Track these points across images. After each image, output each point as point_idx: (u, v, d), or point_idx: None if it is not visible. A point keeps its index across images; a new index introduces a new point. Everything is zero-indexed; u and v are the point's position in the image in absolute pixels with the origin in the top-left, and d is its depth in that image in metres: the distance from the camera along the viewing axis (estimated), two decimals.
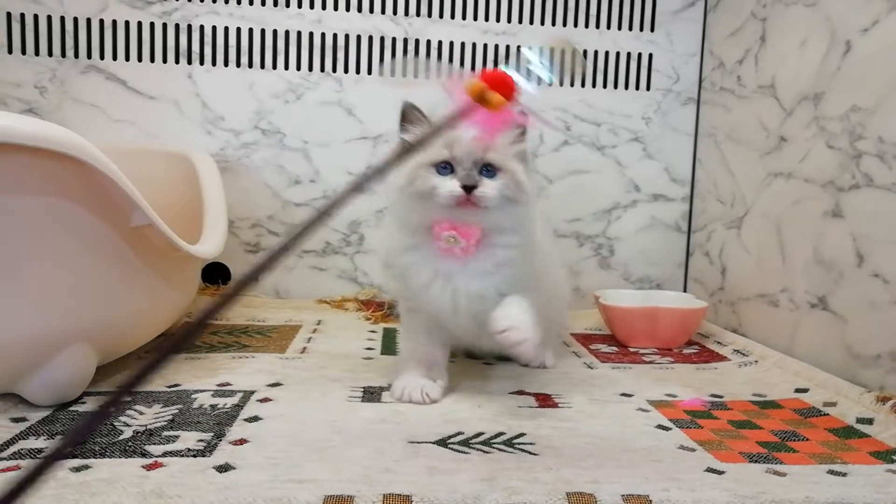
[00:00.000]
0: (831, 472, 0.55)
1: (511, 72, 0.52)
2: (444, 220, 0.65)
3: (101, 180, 0.61)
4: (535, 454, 0.56)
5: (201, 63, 1.12)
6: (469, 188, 0.63)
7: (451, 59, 1.18)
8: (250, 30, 1.13)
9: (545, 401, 0.72)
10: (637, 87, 1.22)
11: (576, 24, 1.20)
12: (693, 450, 0.59)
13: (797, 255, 0.91)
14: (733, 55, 1.10)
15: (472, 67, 1.19)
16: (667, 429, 0.64)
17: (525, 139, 0.69)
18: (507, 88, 0.52)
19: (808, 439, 0.63)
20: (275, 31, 1.14)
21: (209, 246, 0.81)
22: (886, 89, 0.75)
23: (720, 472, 0.54)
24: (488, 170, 0.65)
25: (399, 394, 0.69)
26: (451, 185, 0.63)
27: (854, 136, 0.80)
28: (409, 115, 0.67)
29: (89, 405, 0.64)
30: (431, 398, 0.69)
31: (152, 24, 1.11)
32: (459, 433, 0.60)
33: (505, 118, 0.54)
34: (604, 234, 1.25)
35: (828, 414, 0.70)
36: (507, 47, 1.19)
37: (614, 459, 0.56)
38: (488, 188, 0.64)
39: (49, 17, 1.08)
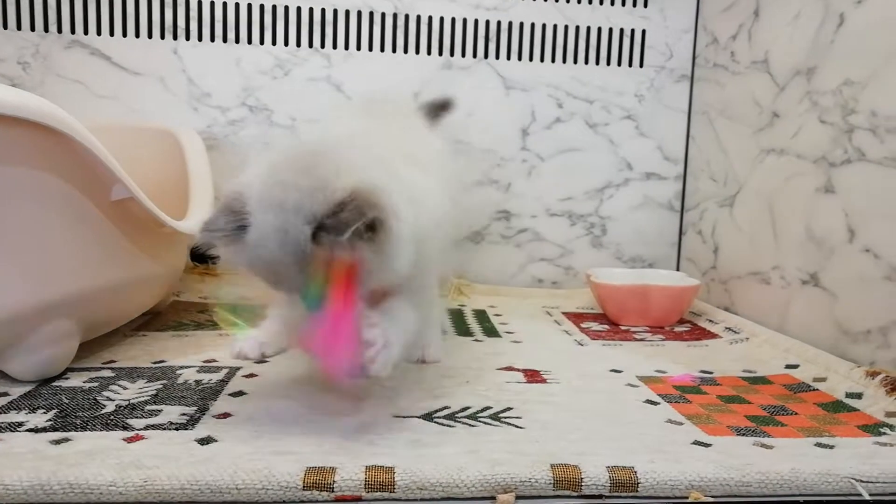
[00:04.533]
0: (818, 444, 0.55)
1: None
2: None
3: (81, 152, 0.60)
4: (520, 427, 0.56)
5: (187, 38, 1.11)
6: None
7: (441, 35, 1.16)
8: (237, 4, 1.11)
9: (534, 376, 0.71)
10: (630, 64, 1.21)
11: (568, 0, 1.18)
12: (680, 423, 0.59)
13: (789, 232, 0.90)
14: (727, 31, 1.08)
15: (463, 43, 1.17)
16: (655, 403, 0.64)
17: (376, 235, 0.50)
18: None
19: (796, 413, 0.62)
20: (262, 6, 1.12)
21: (194, 222, 0.80)
22: (879, 62, 0.74)
23: (707, 445, 0.54)
24: None
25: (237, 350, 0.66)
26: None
27: (846, 111, 0.79)
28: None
29: (72, 380, 0.63)
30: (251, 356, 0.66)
31: None
32: (446, 407, 0.60)
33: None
34: (596, 212, 1.24)
35: (817, 389, 0.70)
36: (499, 23, 1.17)
37: (600, 433, 0.56)
38: None
39: None
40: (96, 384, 0.63)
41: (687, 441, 0.54)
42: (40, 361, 0.62)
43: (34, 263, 0.59)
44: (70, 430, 0.52)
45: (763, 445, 0.54)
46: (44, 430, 0.52)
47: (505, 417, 0.58)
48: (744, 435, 0.56)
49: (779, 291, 0.92)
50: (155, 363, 0.70)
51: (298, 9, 1.12)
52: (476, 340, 0.87)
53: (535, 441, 0.53)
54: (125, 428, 0.52)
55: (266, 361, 0.72)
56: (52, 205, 0.60)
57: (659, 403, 0.64)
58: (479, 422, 0.57)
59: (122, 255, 0.68)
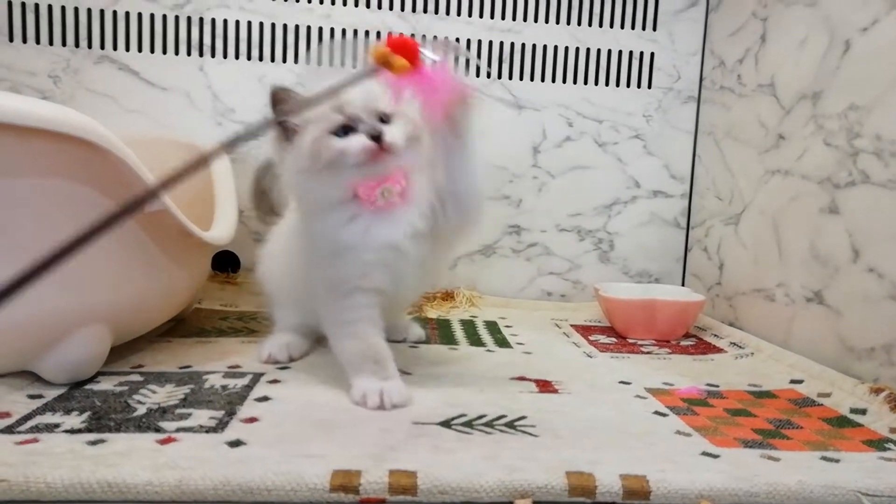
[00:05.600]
0: (824, 458, 0.57)
1: (416, 40, 0.58)
2: (366, 182, 0.64)
3: (118, 165, 0.62)
4: (535, 435, 0.58)
5: (213, 56, 1.14)
6: (377, 137, 0.62)
7: (456, 55, 1.19)
8: (261, 24, 1.15)
9: (545, 386, 0.73)
10: (639, 86, 1.24)
11: (579, 23, 1.21)
12: (689, 435, 0.61)
13: (793, 251, 0.93)
14: (734, 54, 1.11)
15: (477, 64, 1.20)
16: (663, 415, 0.66)
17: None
18: (409, 53, 0.56)
19: (802, 427, 0.64)
20: (285, 26, 1.15)
21: (220, 233, 0.83)
22: (884, 88, 0.77)
23: (715, 456, 0.56)
24: (383, 121, 0.64)
25: (359, 398, 0.63)
26: (358, 141, 0.62)
27: (852, 134, 0.82)
28: (280, 97, 0.63)
29: (103, 384, 0.66)
30: (395, 403, 0.63)
31: (164, 17, 1.12)
32: (462, 415, 0.62)
33: (441, 83, 0.58)
34: (604, 228, 1.27)
35: (822, 404, 0.71)
36: (512, 44, 1.21)
37: (612, 442, 0.58)
38: (395, 132, 0.63)
39: (63, 8, 1.09)
40: (126, 388, 0.65)
41: (696, 452, 0.56)
42: (73, 365, 0.64)
43: (70, 271, 0.62)
44: (105, 432, 0.54)
45: (770, 458, 0.56)
46: (79, 431, 0.54)
47: (520, 425, 0.60)
48: (751, 447, 0.58)
49: (783, 308, 0.94)
50: (182, 368, 0.72)
51: (320, 29, 1.16)
52: (488, 351, 0.89)
53: (549, 449, 0.55)
54: (158, 430, 0.55)
55: (288, 367, 0.75)
56: (89, 215, 0.62)
57: (667, 415, 0.66)
58: (496, 429, 0.59)
59: (153, 263, 0.71)
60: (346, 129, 0.63)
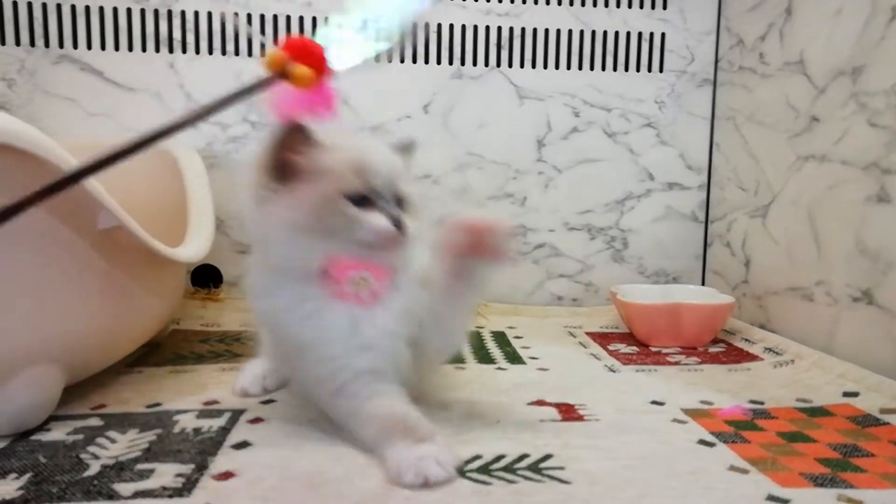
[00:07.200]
0: None
1: (320, 41, 0.48)
2: (346, 260, 0.54)
3: (58, 176, 0.53)
4: (566, 482, 0.49)
5: (184, 51, 1.04)
6: (399, 224, 0.54)
7: (450, 43, 1.10)
8: (235, 15, 1.05)
9: (569, 412, 0.64)
10: (649, 69, 1.15)
11: (583, 3, 1.12)
12: (746, 471, 0.51)
13: (835, 245, 0.84)
14: (754, 31, 1.02)
15: (474, 51, 1.11)
16: (710, 444, 0.57)
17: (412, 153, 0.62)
18: (314, 59, 0.47)
19: (873, 455, 0.55)
20: (262, 17, 1.06)
21: (192, 249, 0.73)
22: None
23: (785, 501, 0.46)
24: (399, 202, 0.56)
25: (395, 473, 0.48)
26: (380, 221, 0.53)
27: None
28: (293, 135, 0.54)
29: (54, 432, 0.56)
30: (438, 479, 0.47)
31: (129, 10, 1.02)
32: (477, 457, 0.53)
33: (321, 99, 0.50)
34: (616, 225, 1.17)
35: (888, 423, 0.62)
36: (511, 29, 1.11)
37: (658, 487, 0.48)
38: (412, 224, 0.55)
39: (15, 4, 0.99)
40: (81, 437, 0.55)
41: (759, 496, 0.47)
42: (17, 412, 0.55)
43: (9, 304, 0.52)
44: (44, 502, 0.45)
45: (849, 500, 0.47)
46: (12, 502, 0.45)
47: (546, 469, 0.51)
48: (822, 485, 0.49)
49: (824, 309, 0.85)
50: (149, 407, 0.63)
51: (301, 18, 1.06)
52: (499, 369, 0.80)
53: (585, 502, 0.46)
54: (110, 497, 0.45)
55: (273, 400, 0.65)
56: (29, 238, 0.53)
57: (714, 444, 0.57)
58: (518, 475, 0.50)
59: (112, 288, 0.61)
60: (363, 200, 0.54)
